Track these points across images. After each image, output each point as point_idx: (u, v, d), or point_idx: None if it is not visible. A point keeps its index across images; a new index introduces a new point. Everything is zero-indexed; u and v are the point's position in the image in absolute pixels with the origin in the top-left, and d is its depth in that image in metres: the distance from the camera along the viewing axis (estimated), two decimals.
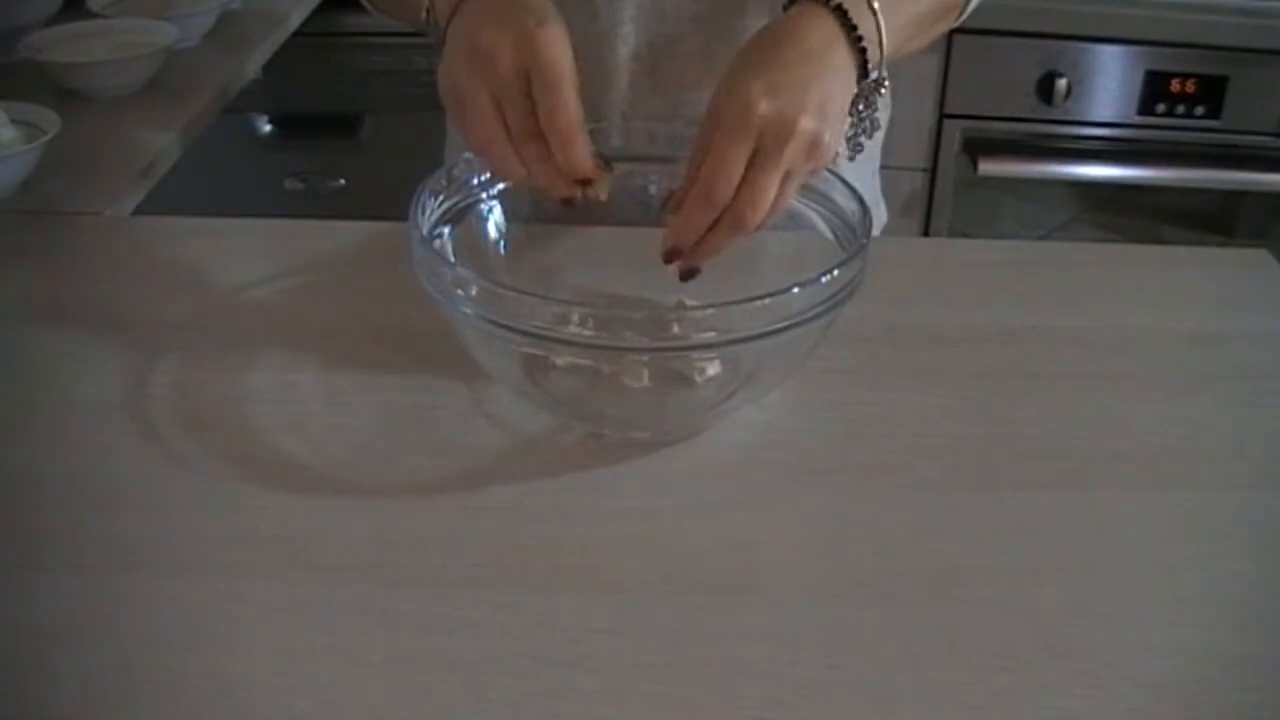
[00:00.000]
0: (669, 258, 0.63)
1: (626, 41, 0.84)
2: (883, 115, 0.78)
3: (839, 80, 0.64)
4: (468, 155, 0.71)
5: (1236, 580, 0.59)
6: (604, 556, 0.59)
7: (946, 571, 0.58)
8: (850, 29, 0.64)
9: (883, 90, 0.71)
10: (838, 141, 0.64)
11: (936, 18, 0.77)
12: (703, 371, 0.68)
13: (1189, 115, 1.70)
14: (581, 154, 0.62)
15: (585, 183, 0.63)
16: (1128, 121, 1.73)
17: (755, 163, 0.61)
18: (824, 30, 0.64)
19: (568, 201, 0.64)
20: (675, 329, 0.59)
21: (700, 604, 0.56)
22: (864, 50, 0.65)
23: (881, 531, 0.61)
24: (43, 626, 0.54)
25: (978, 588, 0.58)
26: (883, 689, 0.52)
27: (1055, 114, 1.72)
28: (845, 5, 0.64)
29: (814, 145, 0.61)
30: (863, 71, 0.66)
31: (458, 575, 0.58)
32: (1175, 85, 1.68)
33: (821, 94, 0.62)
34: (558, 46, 0.62)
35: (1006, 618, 0.56)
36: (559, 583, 0.57)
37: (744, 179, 0.61)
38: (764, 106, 0.60)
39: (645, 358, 0.64)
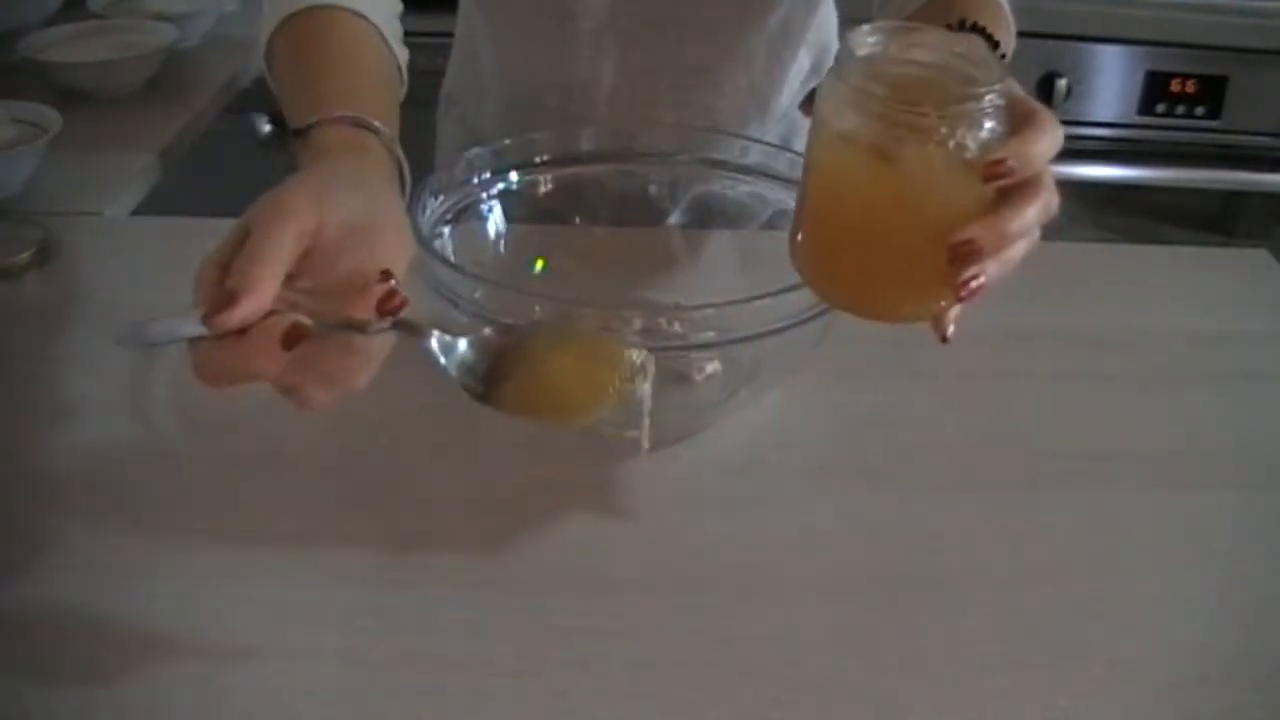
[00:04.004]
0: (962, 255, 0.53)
1: (605, 78, 0.85)
2: None
3: None
4: (468, 155, 0.71)
5: (1236, 580, 0.59)
6: (604, 556, 0.59)
7: (947, 571, 0.58)
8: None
9: None
10: None
11: None
12: (702, 371, 0.68)
13: (1189, 115, 1.70)
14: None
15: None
16: (1128, 121, 1.72)
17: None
18: None
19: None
20: (675, 328, 0.59)
21: (700, 604, 0.56)
22: None
23: (881, 531, 0.61)
24: (43, 626, 0.54)
25: (978, 588, 0.58)
26: (883, 689, 0.52)
27: (1055, 114, 1.72)
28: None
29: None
30: None
31: (458, 575, 0.58)
32: (1175, 85, 1.68)
33: None
34: (295, 228, 0.51)
35: (1006, 618, 0.56)
36: (559, 583, 0.57)
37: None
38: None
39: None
